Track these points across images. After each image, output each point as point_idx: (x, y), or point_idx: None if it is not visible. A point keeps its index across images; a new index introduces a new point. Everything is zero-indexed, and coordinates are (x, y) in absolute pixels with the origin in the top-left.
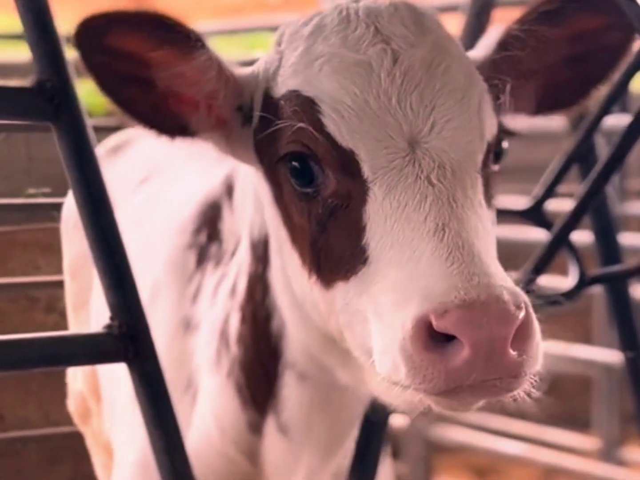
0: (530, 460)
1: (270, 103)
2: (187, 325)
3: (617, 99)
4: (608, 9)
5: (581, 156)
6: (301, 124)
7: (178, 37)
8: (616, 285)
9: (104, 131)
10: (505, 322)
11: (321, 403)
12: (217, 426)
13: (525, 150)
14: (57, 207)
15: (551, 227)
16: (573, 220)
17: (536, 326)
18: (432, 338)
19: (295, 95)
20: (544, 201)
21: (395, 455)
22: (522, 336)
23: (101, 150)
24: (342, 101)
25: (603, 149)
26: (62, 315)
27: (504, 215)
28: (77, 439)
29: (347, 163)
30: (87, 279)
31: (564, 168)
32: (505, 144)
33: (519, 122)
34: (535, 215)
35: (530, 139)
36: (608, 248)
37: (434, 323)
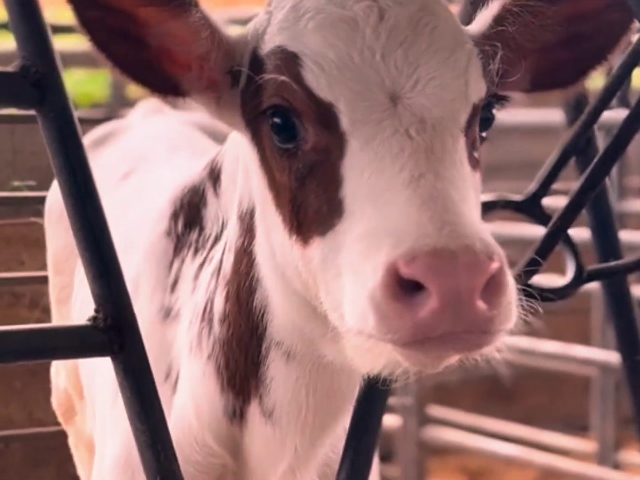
0: (525, 462)
1: (256, 62)
2: (167, 315)
3: (616, 91)
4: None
5: (579, 149)
6: (281, 77)
7: None
8: (615, 282)
9: (89, 123)
10: (474, 272)
11: (309, 384)
12: (196, 414)
13: (521, 146)
14: (42, 200)
15: (548, 222)
16: (570, 214)
17: (510, 281)
18: (402, 287)
19: (279, 51)
20: (541, 195)
21: (388, 457)
22: (493, 289)
23: (84, 142)
24: (325, 55)
25: (602, 144)
26: (46, 311)
27: (500, 208)
28: (61, 438)
29: (326, 116)
30: (72, 273)
31: (562, 161)
32: (494, 111)
33: (514, 98)
34: (532, 209)
35: (527, 133)
36: (607, 244)
37: (402, 270)
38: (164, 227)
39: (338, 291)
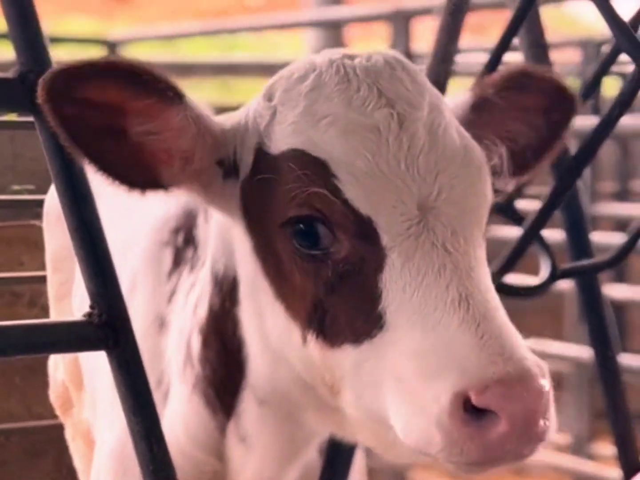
0: None
1: (264, 159)
2: (162, 324)
3: (588, 99)
4: (551, 89)
5: None
6: (317, 189)
7: (155, 91)
8: (587, 280)
9: None
10: (539, 395)
11: (276, 425)
12: (186, 432)
13: None
14: (41, 203)
15: (523, 222)
16: (544, 215)
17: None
18: (468, 411)
19: (301, 155)
20: (516, 196)
21: (371, 451)
22: (546, 405)
23: None
24: (355, 165)
25: (575, 149)
26: (45, 309)
27: None
28: (59, 431)
29: (364, 229)
30: (70, 271)
31: None
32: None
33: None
34: (507, 210)
35: None
36: (579, 244)
37: (474, 398)
38: (163, 237)
39: (375, 401)
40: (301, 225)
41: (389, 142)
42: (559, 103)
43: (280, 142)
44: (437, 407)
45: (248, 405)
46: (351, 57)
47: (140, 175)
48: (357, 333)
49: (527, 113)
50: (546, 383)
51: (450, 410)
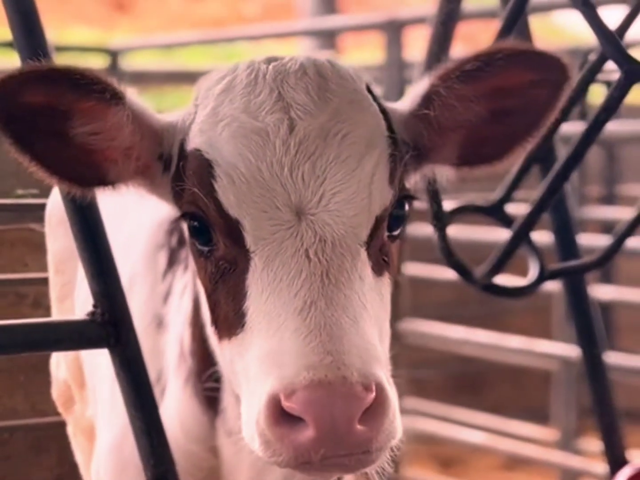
0: (493, 450)
1: (183, 155)
2: (160, 324)
3: (575, 105)
4: (538, 64)
5: (541, 158)
6: (196, 189)
7: (93, 93)
8: (574, 281)
9: None
10: (349, 404)
11: None
12: (181, 426)
13: None
14: (44, 207)
15: (512, 225)
16: (533, 217)
17: (390, 404)
18: (285, 414)
19: (198, 155)
20: (507, 199)
21: None
22: (372, 414)
23: None
24: (236, 167)
25: (562, 154)
26: (48, 310)
27: (470, 212)
28: (62, 428)
29: (233, 231)
30: (71, 272)
31: (525, 168)
32: (407, 208)
33: (442, 173)
34: (497, 212)
35: None
36: (567, 245)
37: (283, 402)
38: (159, 239)
39: (240, 392)
40: (193, 222)
41: (276, 147)
42: (532, 87)
43: (192, 140)
44: (257, 407)
45: (229, 401)
46: (271, 61)
47: (87, 174)
48: (229, 330)
49: (486, 100)
50: (368, 394)
51: (265, 412)
